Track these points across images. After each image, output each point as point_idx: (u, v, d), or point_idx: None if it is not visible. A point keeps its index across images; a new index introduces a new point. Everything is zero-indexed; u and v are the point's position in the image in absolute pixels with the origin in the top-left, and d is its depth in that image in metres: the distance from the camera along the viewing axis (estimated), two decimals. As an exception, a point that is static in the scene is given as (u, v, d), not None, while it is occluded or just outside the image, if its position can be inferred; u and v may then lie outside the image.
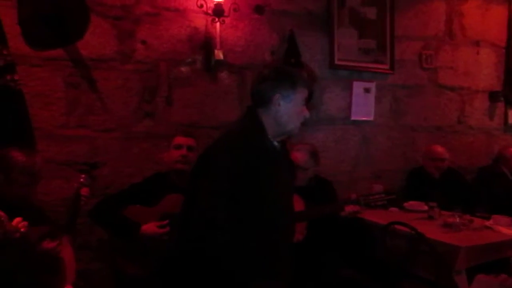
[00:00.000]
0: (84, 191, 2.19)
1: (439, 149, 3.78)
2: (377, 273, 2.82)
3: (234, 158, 1.70)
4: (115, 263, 2.54)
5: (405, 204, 3.47)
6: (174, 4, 3.15)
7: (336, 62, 3.69)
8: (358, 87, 3.82)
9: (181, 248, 1.86)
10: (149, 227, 2.44)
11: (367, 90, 3.85)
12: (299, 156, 2.86)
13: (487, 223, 2.97)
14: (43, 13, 2.71)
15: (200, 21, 3.21)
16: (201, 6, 3.15)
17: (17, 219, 1.84)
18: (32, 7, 2.72)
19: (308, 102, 3.35)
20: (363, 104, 3.85)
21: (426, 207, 3.26)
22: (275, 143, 1.83)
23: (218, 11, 3.13)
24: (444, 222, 2.91)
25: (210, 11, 3.16)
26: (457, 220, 2.85)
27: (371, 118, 3.89)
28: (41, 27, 2.74)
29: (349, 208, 2.55)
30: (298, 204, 2.64)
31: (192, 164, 2.53)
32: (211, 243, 1.65)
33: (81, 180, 2.21)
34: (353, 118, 3.82)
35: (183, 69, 3.20)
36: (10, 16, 2.70)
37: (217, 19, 3.16)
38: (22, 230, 1.85)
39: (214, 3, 3.13)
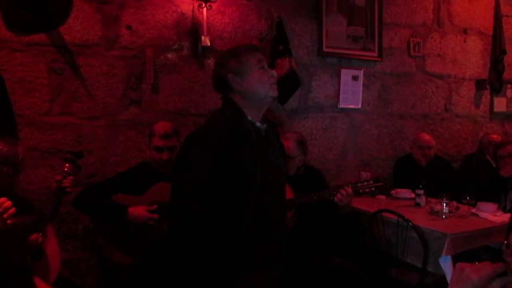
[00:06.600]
0: (69, 180, 2.14)
1: (426, 137, 3.80)
2: (366, 260, 2.83)
3: (213, 145, 1.68)
4: (101, 251, 2.51)
5: (392, 192, 3.50)
6: (159, -11, 3.08)
7: (325, 49, 3.67)
8: (346, 74, 3.81)
9: (168, 237, 1.84)
10: (137, 210, 2.40)
11: (355, 78, 3.85)
12: (286, 144, 2.81)
13: (473, 210, 3.00)
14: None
15: (186, 6, 3.15)
16: (188, -10, 3.08)
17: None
18: (12, -11, 2.64)
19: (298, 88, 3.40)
20: (351, 92, 3.85)
21: (413, 195, 3.29)
22: (258, 124, 1.81)
23: (205, -4, 3.07)
24: (431, 209, 2.94)
25: (196, -4, 3.09)
26: (444, 207, 2.88)
27: (358, 106, 3.89)
28: (22, 10, 2.65)
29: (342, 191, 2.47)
30: (287, 193, 2.62)
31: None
32: (195, 232, 1.64)
33: (65, 169, 2.15)
34: (341, 106, 3.82)
35: (169, 55, 3.14)
36: (-11, -1, 2.62)
37: (204, 4, 3.10)
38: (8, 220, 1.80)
39: (201, -13, 3.07)
